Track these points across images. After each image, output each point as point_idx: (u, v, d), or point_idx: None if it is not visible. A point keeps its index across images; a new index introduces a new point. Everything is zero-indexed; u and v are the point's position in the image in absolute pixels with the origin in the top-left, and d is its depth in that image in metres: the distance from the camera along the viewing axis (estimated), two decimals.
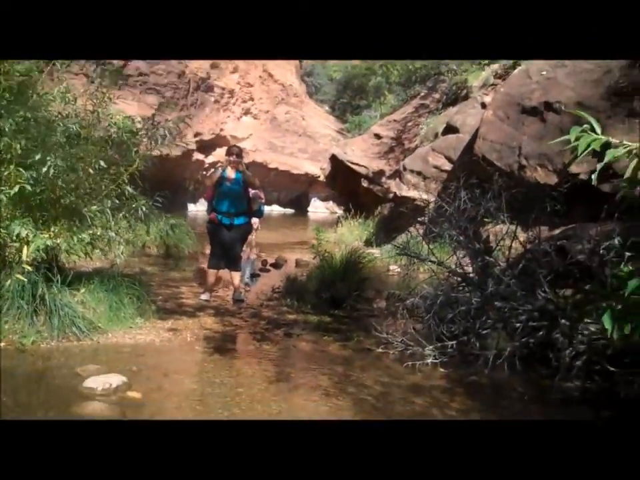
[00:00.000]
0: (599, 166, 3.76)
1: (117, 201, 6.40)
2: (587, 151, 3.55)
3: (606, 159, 3.55)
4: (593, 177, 5.10)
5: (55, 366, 4.94)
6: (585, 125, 3.63)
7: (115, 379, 4.50)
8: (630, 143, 3.58)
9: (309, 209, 32.38)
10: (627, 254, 5.00)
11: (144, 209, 6.42)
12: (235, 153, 7.73)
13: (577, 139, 3.56)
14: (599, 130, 3.59)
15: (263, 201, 8.28)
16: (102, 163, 6.14)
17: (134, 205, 6.42)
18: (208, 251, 11.38)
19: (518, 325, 5.61)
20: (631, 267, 4.17)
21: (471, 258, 6.42)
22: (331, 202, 31.55)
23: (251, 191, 7.87)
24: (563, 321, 5.51)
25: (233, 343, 6.20)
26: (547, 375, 5.40)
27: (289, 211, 30.22)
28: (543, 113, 10.77)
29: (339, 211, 27.04)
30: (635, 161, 3.56)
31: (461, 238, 6.36)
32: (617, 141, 3.59)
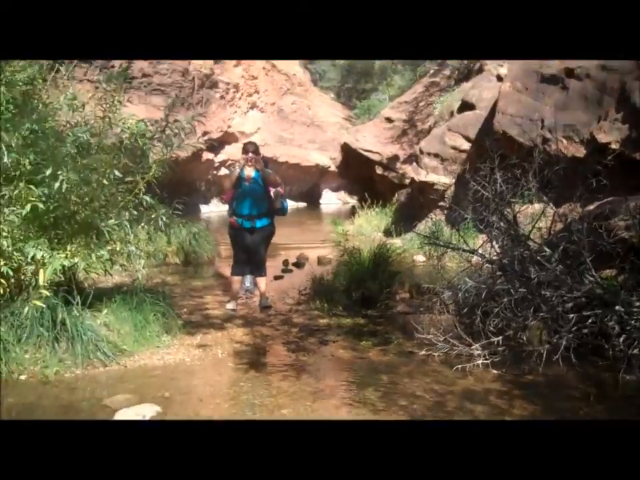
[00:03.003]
0: None
1: (135, 212, 6.00)
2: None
3: None
4: None
5: (81, 398, 4.58)
6: None
7: (148, 410, 4.16)
8: None
9: (321, 200, 32.01)
10: None
11: (164, 218, 6.01)
12: (252, 150, 7.31)
13: None
14: None
15: (285, 198, 7.84)
16: (116, 172, 5.72)
17: (153, 215, 6.02)
18: (225, 254, 11.29)
19: (571, 315, 5.24)
20: None
21: (512, 244, 6.01)
22: (342, 192, 31.23)
23: (272, 190, 7.47)
24: (617, 307, 5.14)
25: (267, 356, 5.87)
26: (604, 367, 5.09)
27: (301, 204, 29.71)
28: (563, 80, 10.34)
29: (352, 201, 26.72)
30: None
31: (501, 224, 5.96)
32: None
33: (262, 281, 7.51)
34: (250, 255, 7.39)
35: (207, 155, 23.42)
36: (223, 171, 24.01)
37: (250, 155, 7.26)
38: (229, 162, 24.17)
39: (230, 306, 7.30)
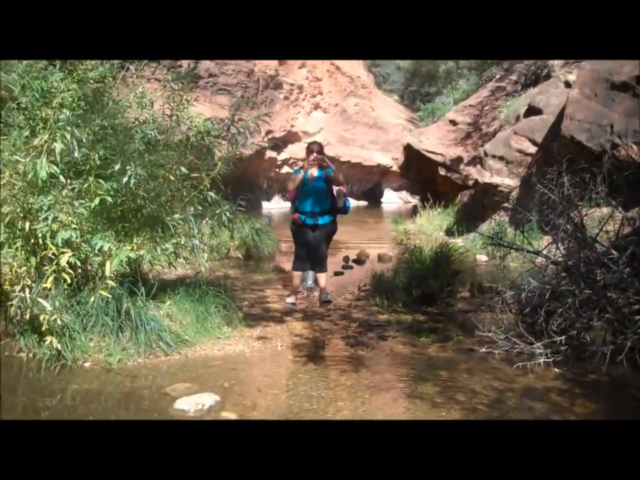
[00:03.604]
0: None
1: (200, 207, 6.12)
2: None
3: None
4: None
5: (142, 386, 4.68)
6: None
7: (208, 399, 4.21)
8: None
9: (382, 199, 32.04)
10: None
11: (228, 214, 6.11)
12: (316, 150, 7.40)
13: None
14: None
15: (348, 197, 7.86)
16: (183, 168, 5.85)
17: (217, 211, 6.12)
18: (285, 249, 11.40)
19: (637, 317, 5.11)
20: None
21: (578, 246, 5.91)
22: (404, 192, 31.24)
23: (335, 188, 7.52)
24: None
25: (326, 350, 5.89)
26: None
27: (362, 203, 29.77)
28: (634, 88, 10.19)
29: (413, 200, 26.68)
30: None
31: (568, 226, 5.87)
32: None
33: (322, 277, 7.55)
34: (311, 252, 7.44)
35: (270, 153, 23.71)
36: (286, 169, 24.31)
37: (314, 155, 7.34)
38: (291, 160, 24.44)
39: (290, 300, 7.36)
